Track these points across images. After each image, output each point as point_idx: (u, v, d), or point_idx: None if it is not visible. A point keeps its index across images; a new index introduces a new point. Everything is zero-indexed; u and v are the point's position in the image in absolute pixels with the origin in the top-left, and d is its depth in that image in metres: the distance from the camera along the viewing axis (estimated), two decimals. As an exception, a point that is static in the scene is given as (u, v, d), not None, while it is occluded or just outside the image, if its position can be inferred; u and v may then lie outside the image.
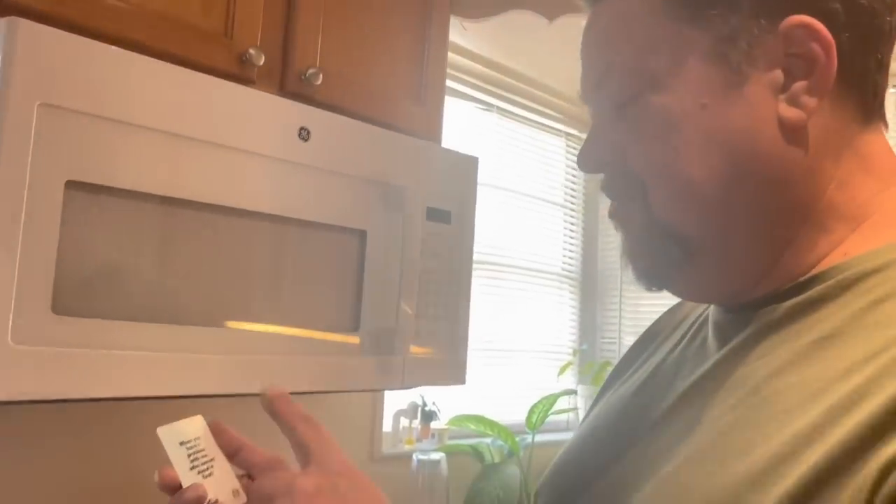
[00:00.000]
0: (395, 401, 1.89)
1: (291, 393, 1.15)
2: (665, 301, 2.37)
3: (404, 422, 1.89)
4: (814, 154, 0.49)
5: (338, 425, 1.66)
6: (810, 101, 0.48)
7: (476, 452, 1.92)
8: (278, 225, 1.12)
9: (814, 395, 0.43)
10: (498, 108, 2.45)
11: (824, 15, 0.48)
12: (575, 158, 2.81)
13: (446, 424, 1.96)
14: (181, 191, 1.00)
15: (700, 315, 0.62)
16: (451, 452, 1.87)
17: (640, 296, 2.69)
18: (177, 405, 1.33)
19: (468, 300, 1.38)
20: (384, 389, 1.34)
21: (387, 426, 1.85)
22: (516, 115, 2.53)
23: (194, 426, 0.66)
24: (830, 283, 0.48)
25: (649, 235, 0.53)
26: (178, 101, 0.99)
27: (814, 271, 0.50)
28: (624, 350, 2.45)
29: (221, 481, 0.65)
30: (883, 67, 0.51)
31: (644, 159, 0.52)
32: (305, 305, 1.15)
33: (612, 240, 2.78)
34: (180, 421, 0.66)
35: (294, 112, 1.12)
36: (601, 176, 0.56)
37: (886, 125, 0.53)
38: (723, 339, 0.53)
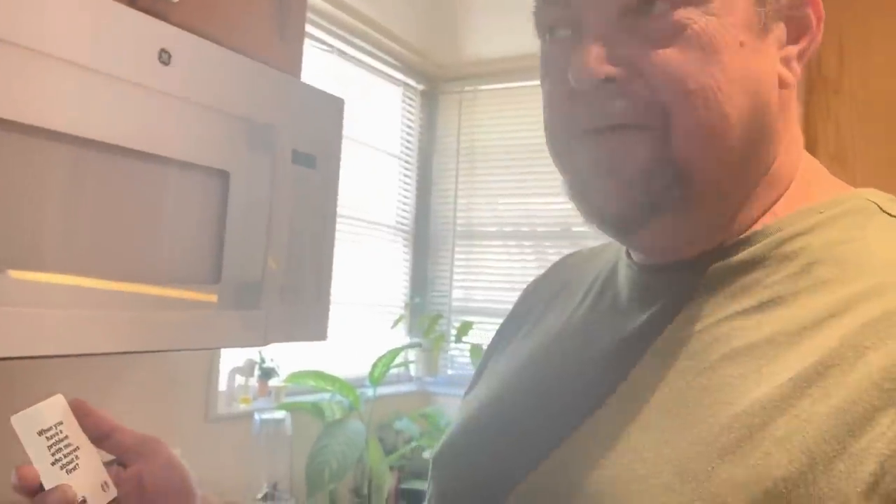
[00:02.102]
0: (230, 358, 1.76)
1: (138, 352, 1.02)
2: (497, 255, 2.43)
3: (240, 380, 1.77)
4: (786, 115, 0.50)
5: (169, 384, 1.51)
6: (797, 67, 0.49)
7: (316, 409, 1.85)
8: (130, 159, 0.96)
9: (769, 360, 0.42)
10: (338, 49, 2.33)
11: None
12: (411, 108, 2.78)
13: (284, 381, 1.87)
14: (9, 110, 0.82)
15: (601, 274, 0.60)
16: (290, 410, 1.78)
17: (471, 250, 2.73)
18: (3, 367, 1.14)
19: (332, 252, 1.30)
20: (245, 347, 1.23)
21: (221, 385, 1.72)
22: (356, 59, 2.43)
23: (54, 410, 0.56)
24: (757, 246, 0.48)
25: (653, 171, 0.47)
26: (11, 1, 0.81)
27: (746, 234, 0.50)
28: (455, 304, 2.48)
29: (88, 474, 0.56)
30: None
31: (679, 82, 0.45)
32: (159, 254, 1.01)
33: (446, 193, 2.79)
34: (37, 405, 0.55)
35: (154, 31, 0.96)
36: (597, 99, 0.47)
37: None
38: (647, 299, 0.52)
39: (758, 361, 0.43)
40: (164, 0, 1.04)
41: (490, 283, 2.68)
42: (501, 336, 0.68)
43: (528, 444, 0.50)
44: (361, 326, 2.44)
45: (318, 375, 1.90)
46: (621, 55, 0.46)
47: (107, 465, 0.59)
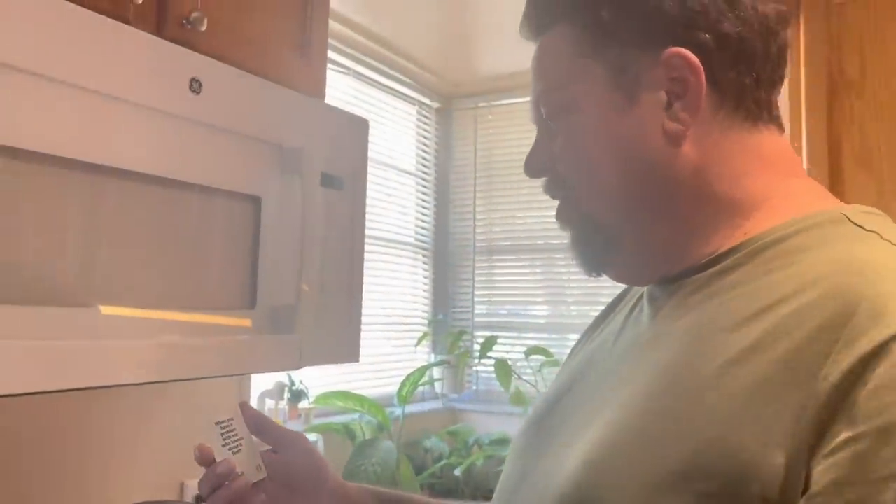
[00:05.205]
0: (259, 382, 1.76)
1: (175, 381, 1.02)
2: (518, 269, 2.48)
3: (270, 403, 1.77)
4: (699, 157, 0.59)
5: (201, 410, 1.51)
6: (686, 117, 0.59)
7: (347, 430, 1.84)
8: (164, 189, 0.97)
9: (717, 343, 0.53)
10: (354, 71, 2.34)
11: (695, 45, 0.58)
12: (426, 126, 2.79)
13: (312, 403, 1.86)
14: (45, 144, 0.83)
15: (640, 290, 0.71)
16: (321, 432, 1.78)
17: (492, 265, 2.73)
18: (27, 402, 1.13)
19: (361, 273, 1.30)
20: (280, 370, 1.23)
21: (251, 409, 1.72)
22: (371, 79, 2.44)
23: (228, 408, 0.78)
24: (737, 255, 0.58)
25: (581, 229, 0.64)
26: (47, 33, 0.82)
27: (723, 249, 0.59)
28: (477, 320, 2.49)
29: (247, 457, 0.76)
30: (762, 83, 0.60)
31: (568, 166, 0.64)
32: (195, 281, 1.01)
33: (464, 210, 2.79)
34: (218, 405, 0.80)
35: (184, 60, 0.97)
36: (543, 185, 0.67)
37: (782, 129, 0.63)
38: (656, 307, 0.63)
39: (711, 346, 0.53)
40: (191, 29, 1.05)
41: (512, 298, 2.68)
42: (583, 336, 0.79)
43: (553, 438, 0.63)
44: (385, 345, 2.44)
45: (346, 396, 1.90)
46: (548, 151, 0.65)
47: (263, 452, 0.79)
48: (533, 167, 0.67)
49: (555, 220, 0.67)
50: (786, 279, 0.52)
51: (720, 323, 0.54)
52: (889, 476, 0.43)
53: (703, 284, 0.58)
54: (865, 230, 0.54)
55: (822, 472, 0.44)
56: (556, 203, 0.68)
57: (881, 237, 0.53)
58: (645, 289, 0.67)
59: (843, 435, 0.44)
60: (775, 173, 0.60)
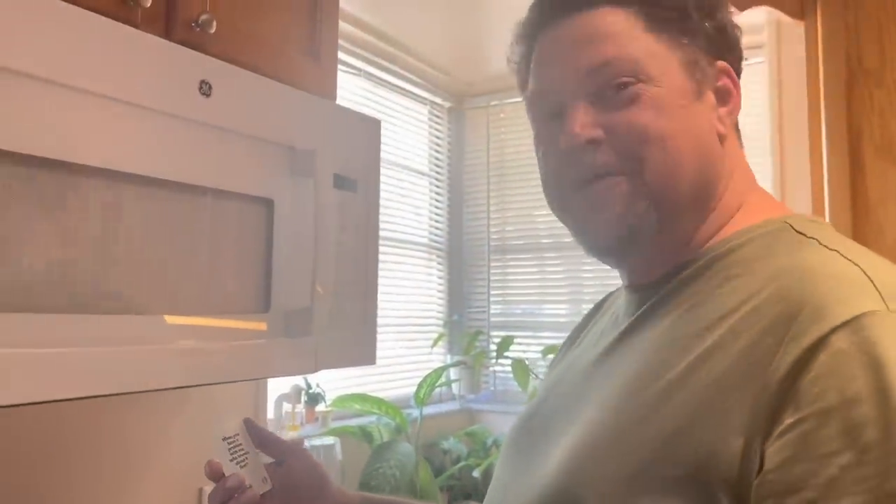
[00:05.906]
0: (276, 385, 1.75)
1: (192, 386, 1.01)
2: (533, 268, 2.46)
3: (287, 406, 1.76)
4: (730, 161, 0.67)
5: (218, 415, 1.51)
6: (729, 123, 0.67)
7: (364, 433, 1.83)
8: (175, 193, 0.96)
9: (683, 348, 0.57)
10: (365, 72, 2.33)
11: (732, 66, 0.68)
12: (439, 126, 2.78)
13: (330, 406, 1.86)
14: (55, 150, 0.82)
15: (614, 303, 0.77)
16: (338, 435, 1.77)
17: (507, 265, 2.71)
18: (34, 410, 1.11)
19: (376, 275, 1.29)
20: (297, 374, 1.22)
21: (269, 413, 1.71)
22: (382, 80, 2.43)
23: (233, 424, 0.83)
24: (698, 264, 0.64)
25: (633, 203, 0.63)
26: (54, 38, 0.81)
27: (690, 256, 0.65)
28: (493, 320, 2.47)
29: (254, 470, 0.81)
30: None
31: (638, 136, 0.62)
32: (208, 286, 1.00)
33: (477, 209, 2.77)
34: (222, 422, 0.82)
35: (194, 63, 0.96)
36: (584, 156, 0.64)
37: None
38: (628, 314, 0.68)
39: (679, 350, 0.58)
40: (200, 31, 1.04)
41: (528, 297, 2.66)
42: (560, 351, 0.83)
43: (538, 438, 0.67)
44: (400, 347, 2.43)
45: (364, 398, 1.89)
46: (597, 121, 0.63)
47: (267, 464, 0.84)
48: (584, 136, 0.63)
49: (594, 198, 0.64)
50: (740, 287, 0.58)
51: (687, 329, 0.59)
52: (829, 453, 0.47)
53: (671, 293, 0.64)
54: (807, 237, 0.60)
55: (773, 452, 0.49)
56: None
57: (820, 243, 0.59)
58: (623, 296, 0.71)
59: (790, 419, 0.49)
60: (744, 187, 0.68)
